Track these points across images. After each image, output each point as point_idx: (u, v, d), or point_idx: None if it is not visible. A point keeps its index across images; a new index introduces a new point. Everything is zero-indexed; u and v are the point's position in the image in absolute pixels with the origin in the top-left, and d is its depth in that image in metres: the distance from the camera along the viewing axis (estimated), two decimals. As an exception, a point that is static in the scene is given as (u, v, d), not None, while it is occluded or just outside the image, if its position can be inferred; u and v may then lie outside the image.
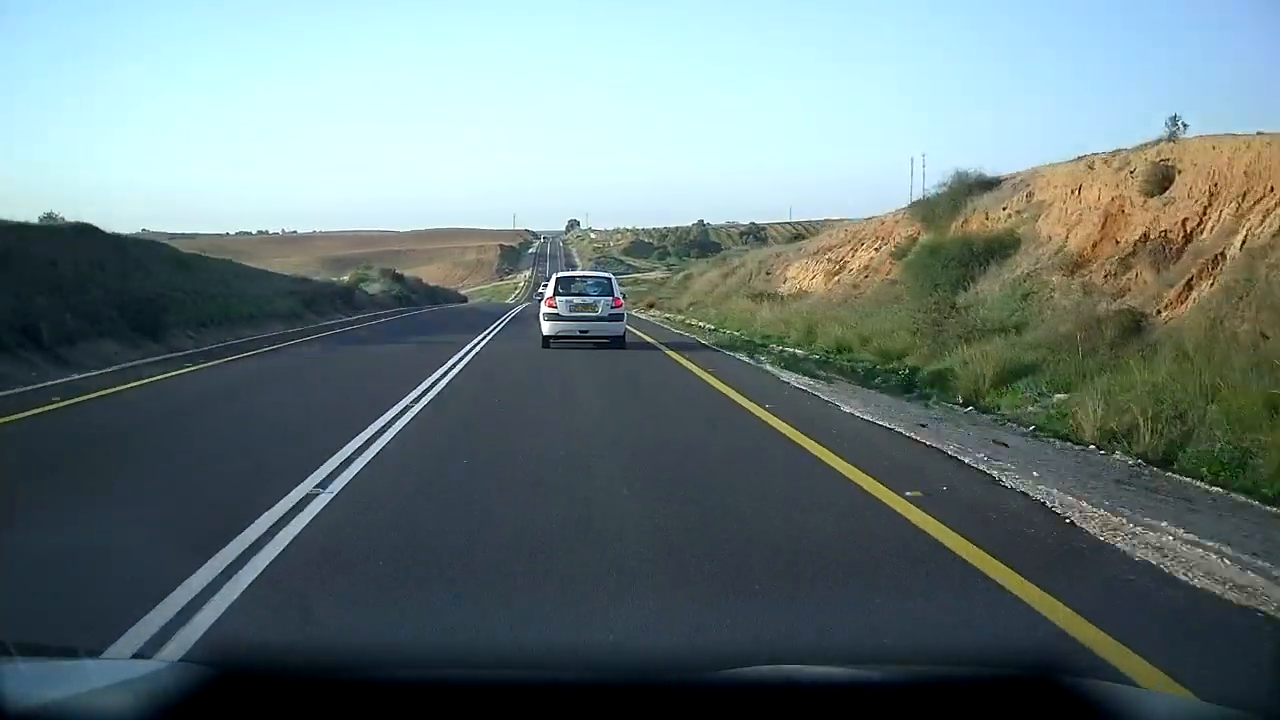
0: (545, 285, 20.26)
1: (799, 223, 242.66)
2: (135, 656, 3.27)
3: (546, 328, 17.76)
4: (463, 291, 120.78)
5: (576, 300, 17.94)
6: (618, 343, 17.87)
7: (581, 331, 17.64)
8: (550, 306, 17.82)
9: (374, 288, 47.36)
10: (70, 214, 25.59)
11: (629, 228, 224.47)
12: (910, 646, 3.39)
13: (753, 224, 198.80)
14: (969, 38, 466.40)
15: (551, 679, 1.47)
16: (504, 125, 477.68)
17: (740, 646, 3.40)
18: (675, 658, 3.28)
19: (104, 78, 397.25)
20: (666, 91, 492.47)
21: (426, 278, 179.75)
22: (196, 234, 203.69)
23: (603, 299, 17.99)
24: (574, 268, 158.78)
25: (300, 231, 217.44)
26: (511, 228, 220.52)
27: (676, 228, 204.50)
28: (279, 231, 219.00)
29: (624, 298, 19.64)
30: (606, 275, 20.10)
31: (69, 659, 1.86)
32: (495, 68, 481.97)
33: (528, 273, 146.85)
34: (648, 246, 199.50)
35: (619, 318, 18.05)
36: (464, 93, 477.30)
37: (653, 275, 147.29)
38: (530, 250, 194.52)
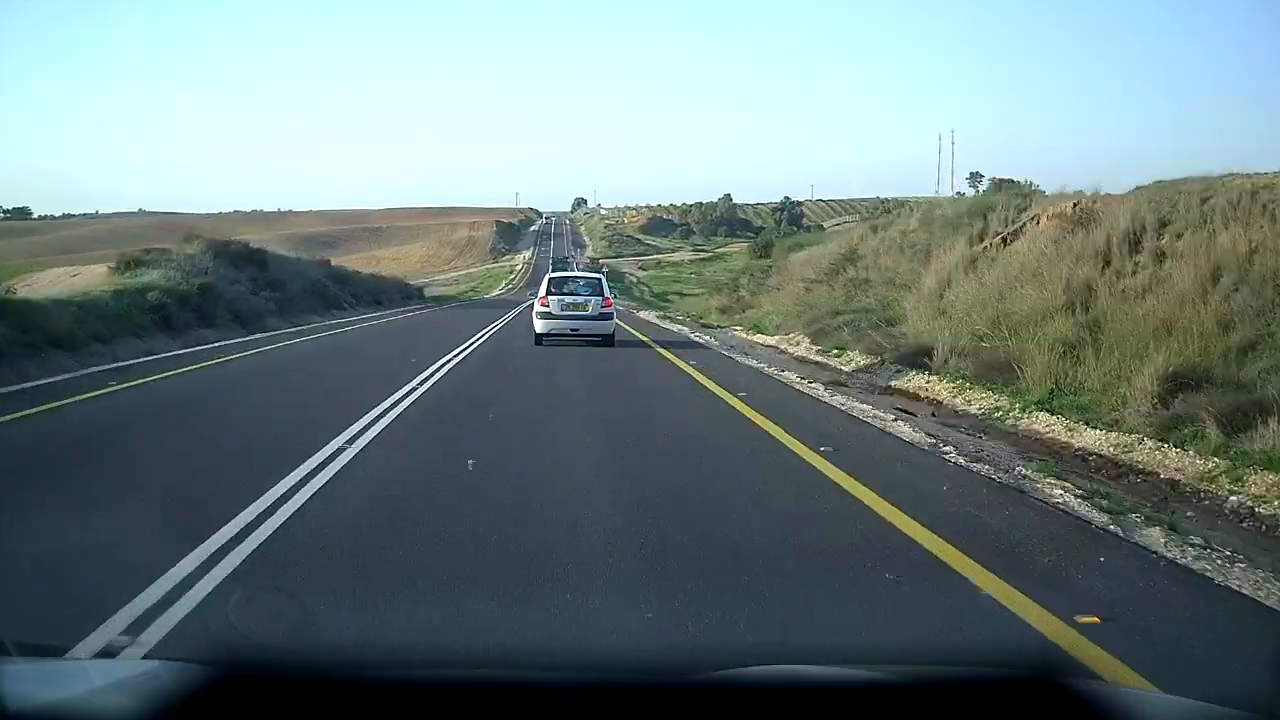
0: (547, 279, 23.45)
1: (835, 200, 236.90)
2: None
3: (540, 326, 20.59)
4: (437, 279, 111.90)
5: (568, 299, 20.71)
6: (607, 341, 20.59)
7: (573, 330, 20.48)
8: (543, 305, 20.60)
9: (135, 278, 22.99)
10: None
11: (642, 205, 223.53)
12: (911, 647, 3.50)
13: (786, 199, 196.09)
14: (995, 11, 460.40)
15: (552, 679, 1.64)
16: (507, 100, 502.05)
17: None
18: (675, 658, 3.55)
19: (101, 63, 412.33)
20: (673, 67, 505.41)
21: (406, 259, 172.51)
22: (189, 213, 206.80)
23: (593, 298, 20.81)
24: (582, 247, 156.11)
25: (296, 210, 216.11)
26: (514, 206, 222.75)
27: (700, 203, 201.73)
28: (275, 209, 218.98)
29: (615, 297, 22.95)
30: (597, 275, 23.85)
31: (69, 659, 2.03)
32: (494, 39, 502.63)
33: (527, 253, 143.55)
34: (668, 224, 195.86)
35: (608, 316, 20.91)
36: (462, 65, 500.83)
37: (678, 256, 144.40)
38: (532, 228, 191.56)
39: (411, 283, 67.02)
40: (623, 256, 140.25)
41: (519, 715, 1.48)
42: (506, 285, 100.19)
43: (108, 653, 3.74)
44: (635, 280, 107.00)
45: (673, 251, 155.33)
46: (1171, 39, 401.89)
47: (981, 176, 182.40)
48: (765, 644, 3.97)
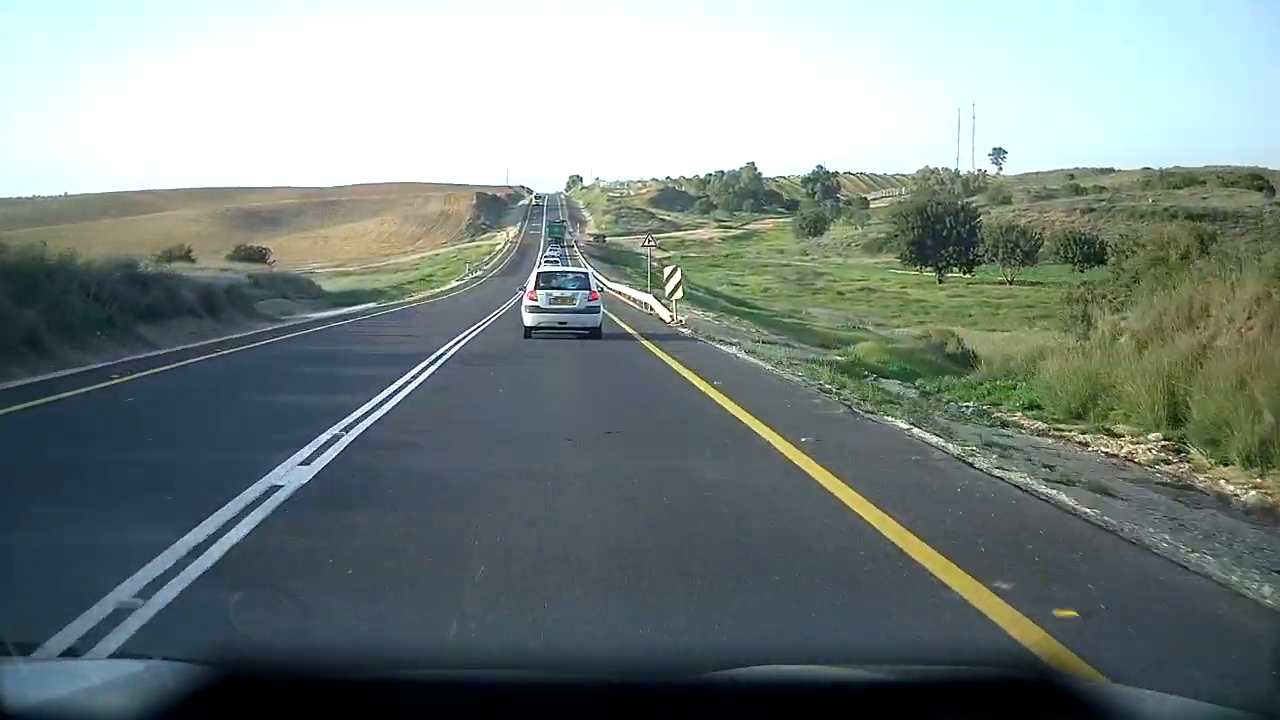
0: (540, 263, 28.18)
1: (867, 174, 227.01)
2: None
3: (529, 319, 23.47)
4: (394, 261, 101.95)
5: (556, 294, 23.72)
6: (594, 333, 23.20)
7: (560, 323, 23.30)
8: (532, 299, 23.65)
9: None
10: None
11: (649, 179, 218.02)
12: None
13: (820, 168, 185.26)
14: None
15: (551, 679, 1.80)
16: (497, 74, 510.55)
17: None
18: (675, 658, 3.90)
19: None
20: (673, 40, 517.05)
21: (361, 237, 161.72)
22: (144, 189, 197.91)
23: (580, 292, 23.82)
24: (582, 223, 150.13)
25: (259, 187, 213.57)
26: (504, 184, 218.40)
27: (721, 173, 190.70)
28: (231, 186, 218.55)
29: (601, 292, 26.76)
30: (584, 270, 29.43)
31: (69, 659, 2.40)
32: (483, 6, 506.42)
33: (513, 229, 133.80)
34: (683, 197, 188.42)
35: (595, 310, 23.76)
36: (452, 39, 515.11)
37: (702, 234, 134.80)
38: (521, 203, 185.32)
39: (185, 273, 31.47)
40: (633, 233, 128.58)
41: (519, 715, 1.62)
42: (474, 272, 79.23)
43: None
44: (657, 264, 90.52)
45: (694, 228, 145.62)
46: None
47: (1005, 153, 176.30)
48: (765, 644, 4.22)
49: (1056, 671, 1.90)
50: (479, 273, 78.14)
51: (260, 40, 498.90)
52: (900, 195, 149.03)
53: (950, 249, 74.84)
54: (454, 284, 65.90)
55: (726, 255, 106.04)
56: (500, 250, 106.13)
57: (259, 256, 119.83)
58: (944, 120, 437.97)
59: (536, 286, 23.80)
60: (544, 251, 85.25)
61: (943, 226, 75.29)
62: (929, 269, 76.64)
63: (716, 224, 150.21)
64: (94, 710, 1.73)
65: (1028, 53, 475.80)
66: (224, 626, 4.34)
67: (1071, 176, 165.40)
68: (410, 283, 68.38)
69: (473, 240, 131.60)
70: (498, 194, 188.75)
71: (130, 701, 1.65)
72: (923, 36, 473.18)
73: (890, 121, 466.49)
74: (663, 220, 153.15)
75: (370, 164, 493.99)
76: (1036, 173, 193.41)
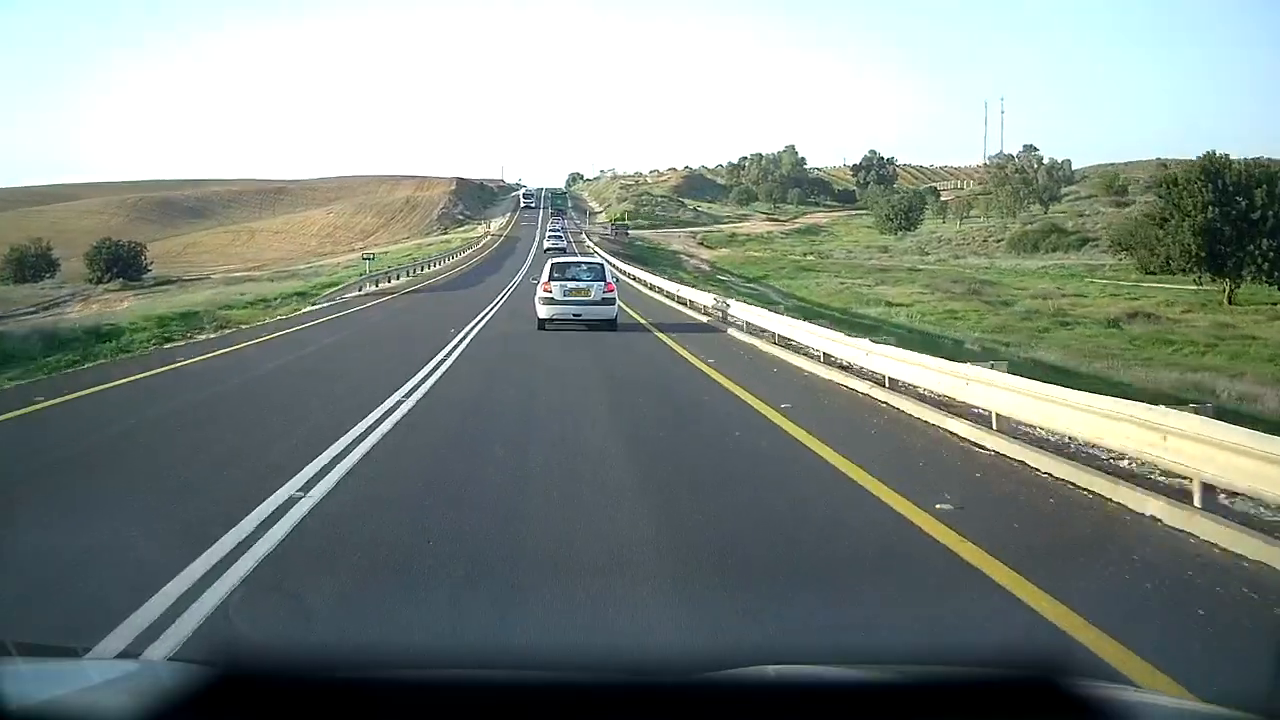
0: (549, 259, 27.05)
1: (924, 168, 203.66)
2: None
3: (543, 311, 23.77)
4: (319, 263, 77.84)
5: (571, 285, 23.80)
6: (610, 325, 23.86)
7: (575, 314, 23.61)
8: (546, 291, 23.77)
9: None
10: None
11: (663, 169, 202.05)
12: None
13: (873, 153, 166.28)
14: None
15: (551, 679, 1.82)
16: (493, 67, 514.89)
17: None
18: (675, 658, 3.92)
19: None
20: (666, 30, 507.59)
21: (300, 230, 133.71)
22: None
23: (595, 284, 23.95)
24: (590, 214, 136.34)
25: (221, 178, 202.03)
26: (499, 178, 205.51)
27: (760, 155, 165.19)
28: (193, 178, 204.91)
29: (615, 282, 26.43)
30: (599, 261, 28.83)
31: (69, 659, 2.24)
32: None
33: (501, 220, 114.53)
34: (712, 186, 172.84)
35: (610, 301, 24.05)
36: (449, 31, 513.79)
37: (752, 226, 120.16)
38: (512, 194, 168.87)
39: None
40: (662, 225, 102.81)
41: (519, 715, 1.65)
42: (371, 285, 39.80)
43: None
44: (709, 267, 69.18)
45: (739, 220, 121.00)
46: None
47: (1035, 149, 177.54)
48: (766, 644, 4.42)
49: (1058, 672, 1.74)
50: (393, 284, 42.55)
51: (257, 39, 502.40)
52: (968, 188, 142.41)
53: (1264, 244, 42.80)
54: (309, 309, 31.70)
55: (807, 254, 78.00)
56: (479, 244, 79.26)
57: (128, 256, 79.56)
58: (961, 114, 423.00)
59: (550, 278, 23.83)
60: (546, 227, 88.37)
61: (1250, 205, 43.11)
62: (1208, 276, 44.76)
63: (764, 216, 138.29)
64: (94, 710, 1.76)
65: (1051, 49, 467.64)
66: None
67: (1164, 165, 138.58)
68: (274, 299, 34.42)
69: (444, 233, 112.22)
70: (483, 182, 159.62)
71: (130, 701, 1.68)
72: (949, 27, 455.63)
73: (912, 115, 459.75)
74: (696, 210, 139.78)
75: (358, 161, 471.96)
76: (1114, 163, 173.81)
